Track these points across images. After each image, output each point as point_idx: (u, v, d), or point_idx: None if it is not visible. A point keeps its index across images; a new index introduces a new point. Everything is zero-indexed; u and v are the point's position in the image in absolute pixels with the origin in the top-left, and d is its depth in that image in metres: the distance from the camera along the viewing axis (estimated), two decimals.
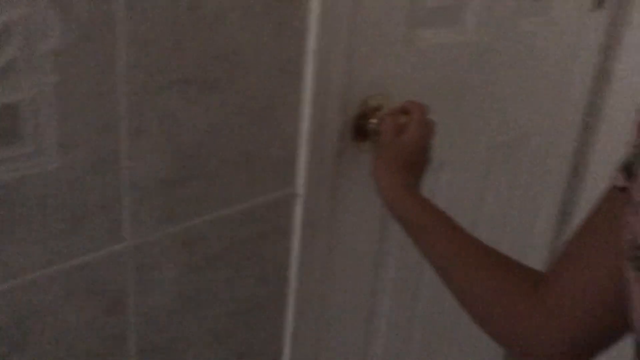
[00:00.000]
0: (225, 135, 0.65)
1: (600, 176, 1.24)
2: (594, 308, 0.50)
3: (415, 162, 0.72)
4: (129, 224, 0.60)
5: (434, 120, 0.74)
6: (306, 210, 0.76)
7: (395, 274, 0.97)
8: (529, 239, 1.28)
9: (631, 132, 0.45)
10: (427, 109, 0.74)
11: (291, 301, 0.81)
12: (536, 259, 1.33)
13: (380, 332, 1.02)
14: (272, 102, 0.68)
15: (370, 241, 0.91)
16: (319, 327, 0.88)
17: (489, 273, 0.58)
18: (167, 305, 0.67)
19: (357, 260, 0.90)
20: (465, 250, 0.62)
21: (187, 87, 0.59)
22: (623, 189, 0.45)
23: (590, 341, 0.52)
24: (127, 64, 0.54)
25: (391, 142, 0.72)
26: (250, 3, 0.61)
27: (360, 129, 0.79)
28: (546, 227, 1.30)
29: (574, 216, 1.30)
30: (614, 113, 1.19)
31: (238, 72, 0.63)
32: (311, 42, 0.68)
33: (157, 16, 0.54)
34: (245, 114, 0.66)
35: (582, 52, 1.13)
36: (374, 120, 0.78)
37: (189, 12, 0.56)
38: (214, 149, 0.64)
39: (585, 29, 1.11)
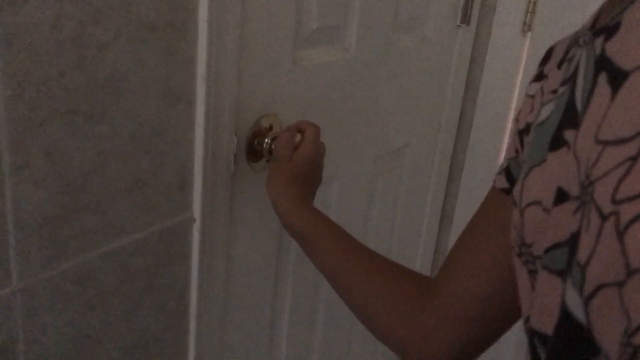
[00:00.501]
0: (115, 164, 0.62)
1: (473, 178, 1.33)
2: (481, 307, 0.54)
3: (307, 178, 0.74)
4: (16, 267, 0.56)
5: (323, 143, 0.77)
6: (203, 234, 0.75)
7: (292, 291, 0.98)
8: (416, 242, 1.35)
9: (509, 140, 0.49)
10: (319, 130, 0.76)
11: (192, 328, 0.79)
12: (423, 260, 1.40)
13: (281, 351, 1.03)
14: (163, 128, 0.66)
15: (268, 260, 0.91)
16: (222, 352, 0.87)
17: (379, 281, 0.61)
18: (60, 348, 0.63)
19: (255, 281, 0.90)
20: (356, 259, 0.64)
21: (72, 118, 0.57)
22: (508, 191, 0.49)
23: (478, 340, 0.56)
24: (5, 97, 0.51)
25: (285, 157, 0.73)
26: (135, 31, 0.59)
27: (254, 150, 0.80)
28: (430, 230, 1.38)
29: (454, 217, 1.39)
30: (482, 120, 1.29)
31: (126, 100, 0.61)
32: (200, 66, 0.68)
33: (38, 48, 0.52)
34: (135, 142, 0.64)
35: (453, 65, 1.21)
36: (267, 140, 0.79)
37: (72, 43, 0.54)
38: (104, 179, 0.62)
39: (455, 43, 1.19)
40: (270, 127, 0.81)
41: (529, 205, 0.40)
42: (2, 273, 0.55)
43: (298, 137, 0.76)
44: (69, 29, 0.53)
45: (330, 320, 1.11)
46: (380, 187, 1.14)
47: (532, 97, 0.46)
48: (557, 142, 0.38)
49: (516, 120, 0.48)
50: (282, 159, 0.73)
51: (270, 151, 0.80)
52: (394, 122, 1.10)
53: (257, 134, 0.79)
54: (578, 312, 0.32)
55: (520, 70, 1.24)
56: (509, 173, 0.49)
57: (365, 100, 1.00)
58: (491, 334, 0.56)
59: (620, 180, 0.29)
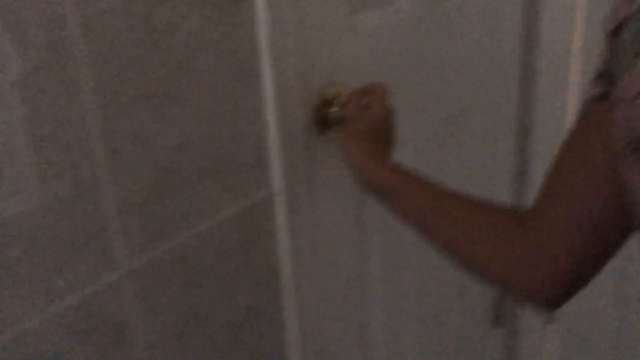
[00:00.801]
0: (196, 145, 0.64)
1: (544, 132, 1.30)
2: (586, 234, 0.52)
3: (382, 135, 0.74)
4: (121, 250, 0.58)
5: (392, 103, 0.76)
6: (286, 207, 0.76)
7: (380, 250, 0.98)
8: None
9: (600, 45, 0.48)
10: (387, 88, 0.76)
11: (288, 302, 0.80)
12: None
13: (375, 313, 1.03)
14: (235, 105, 0.68)
15: (351, 226, 0.91)
16: (319, 320, 0.88)
17: (477, 215, 0.60)
18: (172, 327, 0.65)
19: (342, 247, 0.91)
20: (446, 200, 0.64)
21: (151, 101, 0.59)
22: (603, 96, 0.47)
23: (581, 269, 0.54)
24: (90, 85, 0.53)
25: (357, 117, 0.73)
26: (201, 10, 0.61)
27: (323, 120, 0.80)
28: (505, 189, 1.35)
29: (529, 174, 1.35)
30: (546, 67, 1.25)
31: (198, 80, 0.63)
32: (262, 40, 0.69)
33: (112, 33, 0.54)
34: (211, 121, 0.65)
35: (507, 15, 1.18)
36: (334, 109, 0.80)
37: (142, 26, 0.56)
38: (188, 161, 0.64)
39: None
40: (336, 96, 0.81)
41: None
42: (109, 258, 0.58)
43: (367, 97, 0.76)
44: (138, 12, 0.55)
45: (420, 284, 1.10)
46: (450, 149, 1.12)
47: None
48: None
49: (607, 21, 0.47)
50: (355, 120, 0.73)
51: (339, 120, 0.80)
52: (457, 81, 1.09)
53: (324, 104, 0.80)
54: None
55: (578, 11, 1.20)
56: (608, 74, 0.47)
57: (427, 60, 0.99)
58: (596, 263, 0.54)
59: None
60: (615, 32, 0.45)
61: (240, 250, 0.72)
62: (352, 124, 0.74)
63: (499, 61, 1.21)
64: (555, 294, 0.55)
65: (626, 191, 0.43)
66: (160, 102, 0.60)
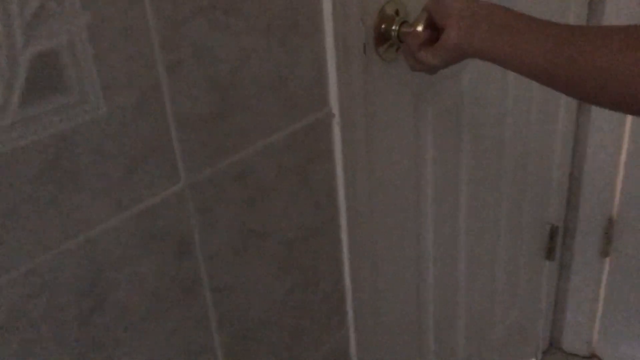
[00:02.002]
0: (256, 60, 0.63)
1: None
2: None
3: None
4: (183, 163, 0.59)
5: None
6: (344, 128, 0.75)
7: (434, 175, 0.97)
8: (553, 130, 1.29)
9: None
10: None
11: (343, 223, 0.81)
12: (560, 150, 1.33)
13: (428, 242, 1.03)
14: (294, 21, 0.66)
15: (406, 148, 0.90)
16: (372, 245, 0.88)
17: (621, 30, 0.56)
18: (231, 242, 0.67)
19: (397, 171, 0.90)
20: (583, 26, 0.61)
21: (212, 13, 0.58)
22: None
23: None
24: None
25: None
26: None
27: (382, 38, 0.78)
28: (568, 117, 1.30)
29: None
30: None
31: None
32: None
33: None
34: (271, 36, 0.64)
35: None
36: (394, 27, 0.77)
37: None
38: (248, 76, 0.63)
39: None
40: (397, 12, 0.78)
41: None
42: (171, 170, 0.59)
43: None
44: None
45: (473, 203, 1.09)
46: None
47: None
48: None
49: None
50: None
51: (399, 38, 0.77)
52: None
53: (385, 20, 0.77)
54: None
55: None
56: None
57: None
58: None
59: None
60: None
61: (298, 169, 0.72)
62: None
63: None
64: None
65: None
66: (219, 14, 0.59)
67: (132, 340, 0.60)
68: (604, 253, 1.48)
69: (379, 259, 0.92)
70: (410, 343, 1.08)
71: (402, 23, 0.77)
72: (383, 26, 0.77)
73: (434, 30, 0.73)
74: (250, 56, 0.63)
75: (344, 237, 0.81)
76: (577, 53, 0.59)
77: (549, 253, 1.46)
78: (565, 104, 1.27)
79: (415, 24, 0.74)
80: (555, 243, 1.46)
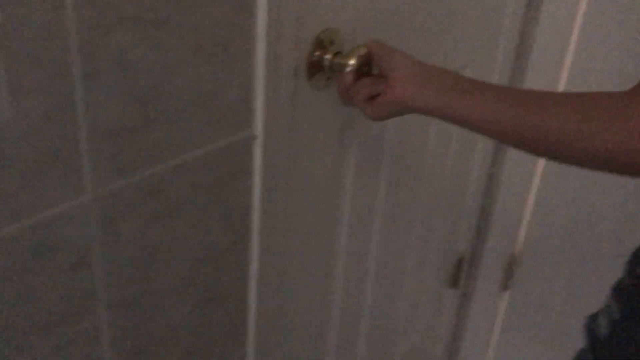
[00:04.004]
0: (181, 75, 0.62)
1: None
2: None
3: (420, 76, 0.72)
4: (90, 175, 0.57)
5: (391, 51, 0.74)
6: (266, 151, 0.75)
7: (352, 201, 0.98)
8: (470, 171, 1.33)
9: None
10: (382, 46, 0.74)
11: (255, 244, 0.80)
12: (474, 187, 1.38)
13: (339, 266, 1.04)
14: (226, 40, 0.65)
15: (328, 175, 0.91)
16: (282, 267, 0.88)
17: (576, 99, 0.60)
18: (134, 258, 0.65)
19: (316, 196, 0.90)
20: (535, 92, 0.64)
21: (140, 25, 0.56)
22: None
23: None
24: (73, 2, 0.50)
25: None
26: None
27: (315, 66, 0.78)
28: (486, 155, 1.35)
29: None
30: (543, 39, 1.23)
31: (189, 8, 0.60)
32: None
33: None
34: (200, 53, 0.63)
35: None
36: (327, 56, 0.77)
37: None
38: (171, 92, 0.61)
39: None
40: (332, 42, 0.78)
41: None
42: (77, 181, 0.56)
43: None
44: None
45: (387, 230, 1.11)
46: None
47: None
48: None
49: None
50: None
51: (331, 67, 0.78)
52: (453, 39, 1.06)
53: (318, 49, 0.77)
54: None
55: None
56: None
57: (425, 15, 0.96)
58: None
59: None
60: None
61: (213, 188, 0.71)
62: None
63: (497, 27, 1.18)
64: None
65: None
66: (148, 26, 0.56)
67: (16, 355, 0.57)
68: (504, 286, 1.55)
69: (288, 282, 0.91)
70: None
71: (336, 54, 0.77)
72: (317, 53, 0.77)
73: (366, 67, 0.74)
74: (175, 72, 0.61)
75: (254, 259, 0.81)
76: (531, 119, 0.62)
77: (454, 281, 1.52)
78: (482, 143, 1.32)
79: (349, 57, 0.75)
80: (461, 273, 1.51)
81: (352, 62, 0.74)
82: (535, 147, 0.63)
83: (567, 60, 1.24)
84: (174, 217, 0.67)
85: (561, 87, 1.26)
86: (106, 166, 0.58)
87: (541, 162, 1.37)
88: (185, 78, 0.62)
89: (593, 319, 0.67)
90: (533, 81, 1.26)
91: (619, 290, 0.63)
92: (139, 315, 0.68)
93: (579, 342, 0.70)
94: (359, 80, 0.75)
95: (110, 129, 0.57)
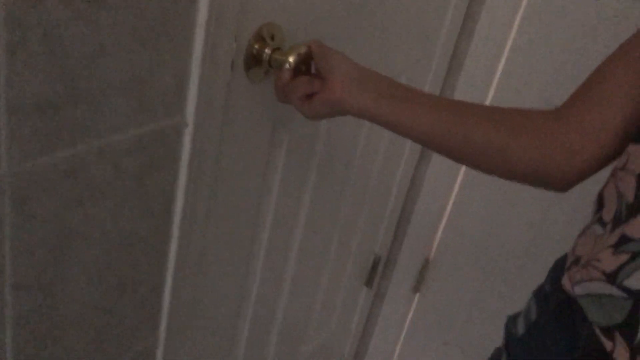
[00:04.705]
0: (113, 56, 0.60)
1: None
2: (618, 125, 0.58)
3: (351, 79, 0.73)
4: (6, 151, 0.54)
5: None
6: (195, 140, 0.73)
7: (277, 200, 0.99)
8: (394, 174, 1.36)
9: None
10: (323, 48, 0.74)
11: (175, 234, 0.79)
12: (396, 191, 1.42)
13: (259, 258, 1.04)
14: (164, 24, 0.63)
15: (256, 171, 0.90)
16: (201, 259, 0.87)
17: (505, 113, 0.63)
18: (47, 240, 0.62)
19: (242, 190, 0.89)
20: (468, 105, 0.67)
21: (71, 0, 0.53)
22: None
23: (605, 156, 0.60)
24: None
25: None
26: None
27: (252, 59, 0.77)
28: (410, 162, 1.39)
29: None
30: (476, 55, 1.28)
31: None
32: None
33: None
34: (135, 35, 0.61)
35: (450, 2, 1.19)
36: (267, 51, 0.77)
37: None
38: (102, 72, 0.59)
39: None
40: (272, 38, 0.78)
41: None
42: None
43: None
44: None
45: (309, 228, 1.12)
46: None
47: None
48: None
49: None
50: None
51: (269, 62, 0.77)
52: (392, 46, 1.08)
53: (258, 43, 0.77)
54: None
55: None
56: None
57: (367, 20, 0.97)
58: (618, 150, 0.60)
59: None
60: None
61: (137, 173, 0.69)
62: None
63: (434, 39, 1.22)
64: (574, 181, 0.62)
65: None
66: (81, 2, 0.54)
67: None
68: (416, 289, 1.60)
69: (205, 274, 0.91)
70: (221, 351, 1.08)
71: (276, 49, 0.77)
72: (256, 46, 0.77)
73: (304, 66, 0.74)
74: (107, 52, 0.59)
75: (173, 248, 0.79)
76: (460, 129, 0.65)
77: (369, 281, 1.55)
78: (409, 148, 1.35)
79: (288, 54, 0.74)
80: (376, 272, 1.55)
81: (291, 59, 0.74)
82: (460, 155, 0.66)
83: (496, 75, 1.30)
84: (94, 201, 0.65)
85: (489, 99, 1.32)
86: (25, 142, 0.55)
87: (462, 170, 1.42)
88: (117, 59, 0.60)
89: (513, 319, 0.71)
90: (463, 91, 1.31)
91: (539, 294, 0.67)
92: (48, 298, 0.65)
93: (481, 347, 0.73)
94: (297, 78, 0.75)
95: (31, 105, 0.54)
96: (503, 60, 1.28)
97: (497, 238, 1.43)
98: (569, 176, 0.62)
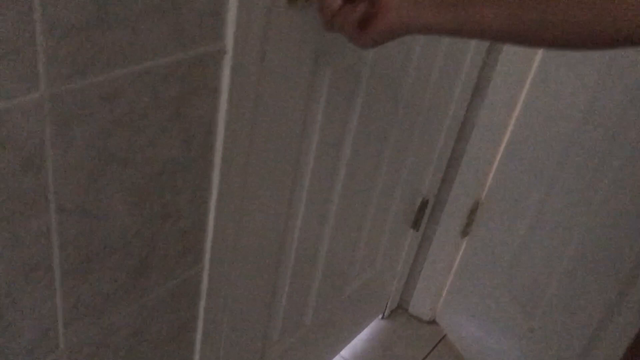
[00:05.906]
0: None
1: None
2: None
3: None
4: (45, 71, 0.54)
5: None
6: (234, 68, 0.72)
7: (319, 136, 0.97)
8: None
9: None
10: None
11: (217, 164, 0.79)
12: (446, 129, 1.38)
13: (302, 195, 1.03)
14: None
15: (296, 102, 0.89)
16: (243, 190, 0.87)
17: None
18: (88, 164, 0.63)
19: (282, 122, 0.88)
20: None
21: None
22: None
23: None
24: None
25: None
26: None
27: None
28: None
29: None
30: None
31: None
32: None
33: None
34: None
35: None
36: None
37: None
38: None
39: None
40: None
41: None
42: (31, 76, 0.53)
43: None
44: None
45: (354, 164, 1.11)
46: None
47: None
48: None
49: None
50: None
51: None
52: None
53: None
54: None
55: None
56: None
57: None
58: None
59: None
60: None
61: (176, 101, 0.68)
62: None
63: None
64: None
65: None
66: None
67: None
68: (464, 233, 1.57)
69: (248, 203, 0.91)
70: (264, 286, 1.10)
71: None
72: None
73: None
74: None
75: (216, 177, 0.80)
76: (535, 13, 0.60)
77: (415, 223, 1.53)
78: (462, 83, 1.30)
79: None
80: (423, 215, 1.53)
81: None
82: (540, 42, 0.63)
83: None
84: (133, 126, 0.65)
85: None
86: (63, 64, 0.55)
87: (516, 110, 1.36)
88: None
89: None
90: None
91: None
92: (89, 223, 0.67)
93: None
94: (346, 4, 0.71)
95: (69, 25, 0.54)
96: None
97: (551, 180, 1.37)
98: None
